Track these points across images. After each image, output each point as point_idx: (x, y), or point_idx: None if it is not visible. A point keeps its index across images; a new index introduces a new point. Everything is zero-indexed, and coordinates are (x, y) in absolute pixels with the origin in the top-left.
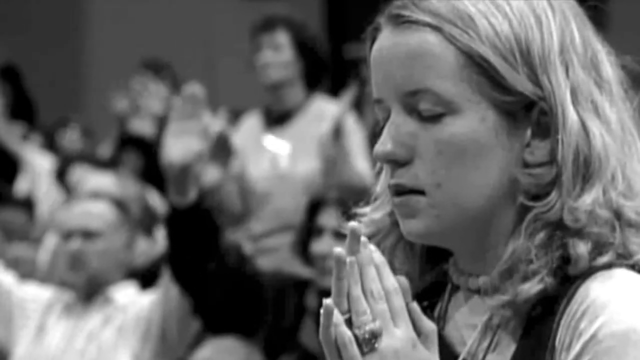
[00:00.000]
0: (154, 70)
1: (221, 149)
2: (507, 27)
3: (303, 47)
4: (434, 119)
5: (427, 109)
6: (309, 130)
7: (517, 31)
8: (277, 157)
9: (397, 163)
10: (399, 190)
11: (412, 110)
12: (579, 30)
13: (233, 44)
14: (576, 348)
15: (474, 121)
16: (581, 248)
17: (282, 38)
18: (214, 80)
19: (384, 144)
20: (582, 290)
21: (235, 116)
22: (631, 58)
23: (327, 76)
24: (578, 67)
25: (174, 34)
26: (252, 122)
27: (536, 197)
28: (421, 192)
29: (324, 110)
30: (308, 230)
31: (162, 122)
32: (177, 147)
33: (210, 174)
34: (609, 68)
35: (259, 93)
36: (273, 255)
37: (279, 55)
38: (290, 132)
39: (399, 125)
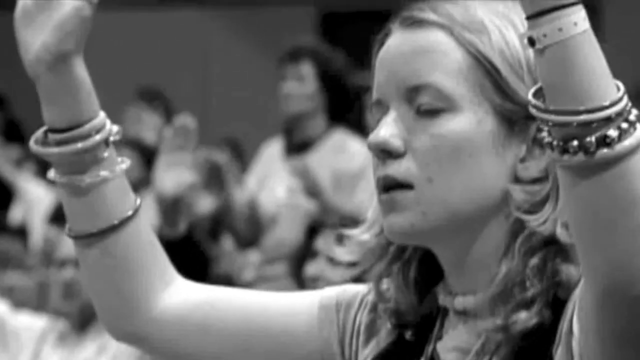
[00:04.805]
0: (147, 99)
1: (215, 179)
2: (518, 42)
3: (328, 79)
4: (432, 114)
5: (426, 103)
6: (326, 162)
7: (527, 48)
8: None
9: (389, 154)
10: (387, 185)
11: (411, 105)
12: None
13: (228, 71)
14: None
15: (472, 122)
16: (573, 273)
17: (307, 69)
18: (209, 108)
19: (378, 134)
20: None
21: (229, 144)
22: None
23: (352, 109)
24: None
25: (169, 61)
26: (272, 150)
27: (529, 212)
28: (409, 187)
29: (344, 144)
30: (304, 254)
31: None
32: (169, 179)
33: (204, 204)
34: None
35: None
36: (274, 283)
37: (302, 87)
38: (307, 162)
39: (397, 118)
